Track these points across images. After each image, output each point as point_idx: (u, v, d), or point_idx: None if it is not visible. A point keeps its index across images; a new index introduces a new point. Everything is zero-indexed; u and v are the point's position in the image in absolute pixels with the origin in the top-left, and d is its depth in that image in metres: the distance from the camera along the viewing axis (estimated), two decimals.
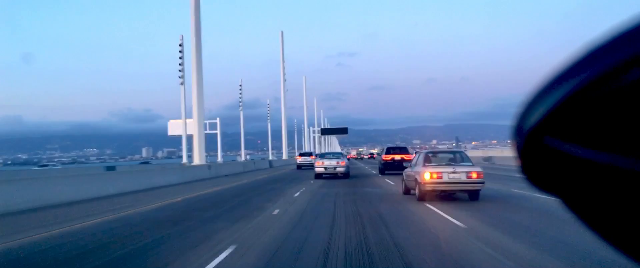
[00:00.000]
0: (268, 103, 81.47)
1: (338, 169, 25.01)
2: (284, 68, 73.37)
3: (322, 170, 25.42)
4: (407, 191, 14.75)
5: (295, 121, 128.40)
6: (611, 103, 0.52)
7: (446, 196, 12.85)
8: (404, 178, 15.43)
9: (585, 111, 0.55)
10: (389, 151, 29.12)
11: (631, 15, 0.53)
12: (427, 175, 12.30)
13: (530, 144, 0.62)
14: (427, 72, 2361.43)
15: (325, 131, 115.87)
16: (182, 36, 38.60)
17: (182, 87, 40.62)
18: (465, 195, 12.85)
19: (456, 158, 14.10)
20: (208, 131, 59.64)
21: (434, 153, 15.11)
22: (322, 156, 28.40)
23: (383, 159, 28.54)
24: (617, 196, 0.55)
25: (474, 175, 12.24)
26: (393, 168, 27.26)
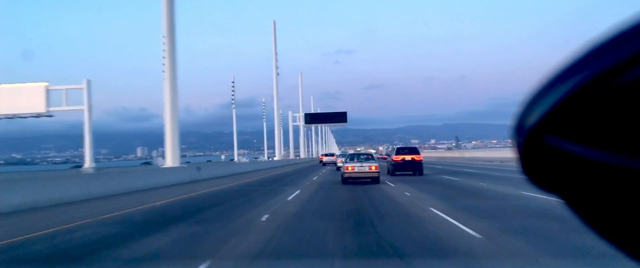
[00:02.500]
0: (232, 80, 61.90)
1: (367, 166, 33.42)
2: None
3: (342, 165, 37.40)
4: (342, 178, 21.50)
5: (290, 112, 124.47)
6: (612, 102, 0.53)
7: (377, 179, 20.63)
8: (340, 171, 23.56)
9: (586, 110, 0.55)
10: (399, 151, 28.48)
11: (632, 13, 0.53)
12: (346, 168, 20.74)
13: (531, 143, 0.62)
14: (426, 71, 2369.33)
15: (313, 118, 77.18)
16: None
17: None
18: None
19: (367, 157, 23.19)
20: (62, 108, 37.44)
21: (354, 154, 25.01)
22: (343, 155, 36.49)
23: (393, 160, 27.75)
24: (618, 195, 0.55)
25: (373, 168, 20.53)
26: (403, 169, 27.02)
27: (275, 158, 66.69)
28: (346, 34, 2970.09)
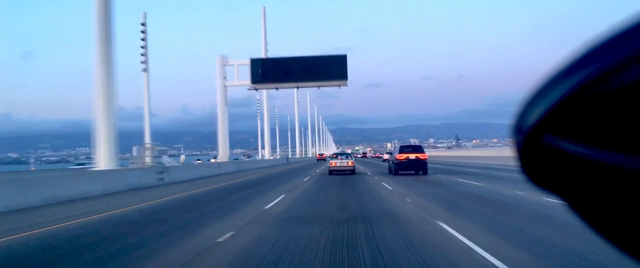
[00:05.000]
0: (142, 20, 36.24)
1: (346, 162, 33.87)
2: None
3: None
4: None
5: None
6: (611, 101, 0.53)
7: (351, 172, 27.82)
8: (328, 165, 29.60)
9: (585, 109, 0.55)
10: (402, 149, 26.96)
11: (631, 13, 0.53)
12: (330, 163, 28.68)
13: (530, 142, 0.62)
14: (424, 70, 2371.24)
15: (269, 71, 35.64)
16: None
17: None
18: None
19: (346, 156, 30.59)
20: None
21: (337, 153, 33.69)
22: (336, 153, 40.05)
23: (397, 159, 26.38)
24: (617, 195, 0.55)
25: (349, 164, 28.08)
26: (407, 168, 25.95)
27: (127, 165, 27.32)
28: (344, 32, 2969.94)
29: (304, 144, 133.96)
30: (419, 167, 25.70)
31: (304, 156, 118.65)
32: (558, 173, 0.60)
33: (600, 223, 0.59)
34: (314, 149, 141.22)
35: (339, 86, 36.11)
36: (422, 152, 26.54)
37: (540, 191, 0.66)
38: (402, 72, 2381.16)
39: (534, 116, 0.60)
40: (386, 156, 77.24)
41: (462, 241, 6.95)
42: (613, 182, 0.54)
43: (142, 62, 33.90)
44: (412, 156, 25.90)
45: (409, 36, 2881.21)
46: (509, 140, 0.67)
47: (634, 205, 0.54)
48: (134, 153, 27.88)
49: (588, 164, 0.56)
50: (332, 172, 27.76)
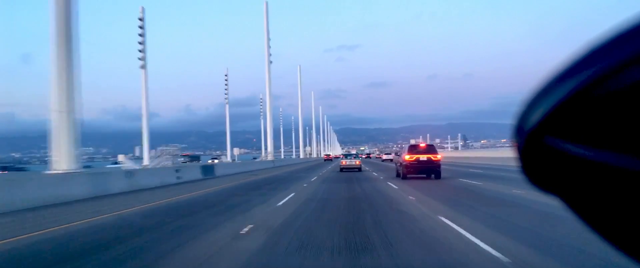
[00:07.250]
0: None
1: (354, 161, 39.54)
2: None
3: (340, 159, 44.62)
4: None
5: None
6: (612, 102, 0.53)
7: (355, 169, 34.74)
8: (340, 164, 36.59)
9: (586, 111, 0.55)
10: (412, 149, 23.54)
11: (633, 14, 0.52)
12: (341, 162, 36.26)
13: (531, 144, 0.62)
14: (429, 68, 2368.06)
15: None
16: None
17: None
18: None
19: (355, 155, 44.58)
20: None
21: (346, 154, 49.48)
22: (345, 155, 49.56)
23: (404, 161, 23.19)
24: (618, 196, 0.55)
25: (357, 163, 35.55)
26: (417, 171, 22.89)
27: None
28: (349, 29, 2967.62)
29: (294, 143, 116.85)
30: (431, 170, 22.74)
31: (298, 157, 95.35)
32: (559, 174, 0.60)
33: (602, 224, 0.59)
34: (309, 149, 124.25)
35: None
36: (435, 152, 23.18)
37: (540, 193, 0.66)
38: (407, 71, 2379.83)
39: (535, 117, 0.60)
40: (384, 156, 72.82)
41: None
42: (614, 183, 0.54)
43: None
44: (423, 157, 22.70)
45: (414, 33, 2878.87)
46: (511, 141, 0.67)
47: (635, 205, 0.54)
48: (136, 153, 37.56)
49: (590, 165, 0.56)
50: (343, 169, 34.31)
